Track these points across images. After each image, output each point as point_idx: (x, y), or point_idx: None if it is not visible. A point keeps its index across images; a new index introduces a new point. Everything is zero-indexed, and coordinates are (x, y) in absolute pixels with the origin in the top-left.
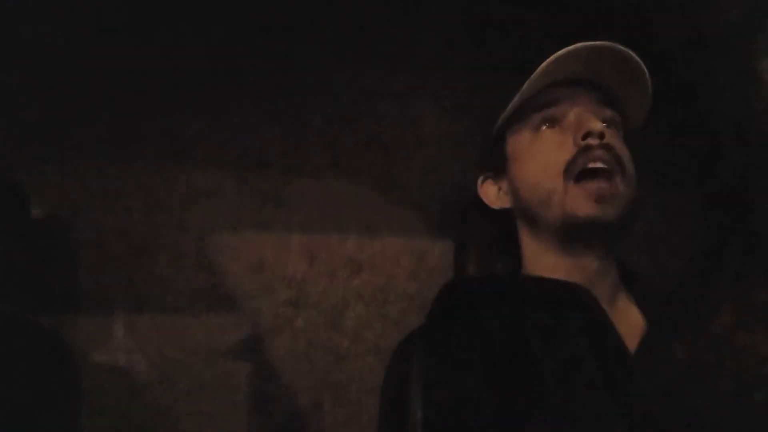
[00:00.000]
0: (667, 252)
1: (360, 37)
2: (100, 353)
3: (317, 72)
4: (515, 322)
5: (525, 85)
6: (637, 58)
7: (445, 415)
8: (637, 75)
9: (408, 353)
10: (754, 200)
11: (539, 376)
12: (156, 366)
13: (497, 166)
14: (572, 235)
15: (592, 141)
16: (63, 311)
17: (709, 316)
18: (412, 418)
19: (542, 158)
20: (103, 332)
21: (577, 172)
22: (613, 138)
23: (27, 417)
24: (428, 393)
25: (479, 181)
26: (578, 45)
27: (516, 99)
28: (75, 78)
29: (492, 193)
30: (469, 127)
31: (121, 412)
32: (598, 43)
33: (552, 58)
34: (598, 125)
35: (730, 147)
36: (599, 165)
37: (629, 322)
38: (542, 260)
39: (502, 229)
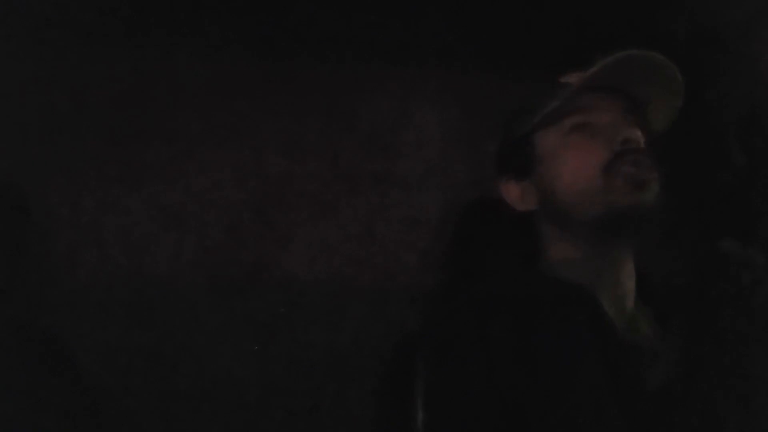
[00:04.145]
0: (667, 252)
1: (360, 36)
2: (100, 353)
3: (317, 72)
4: (518, 323)
5: (567, 92)
6: (677, 70)
7: (446, 416)
8: (671, 85)
9: (410, 353)
10: (755, 199)
11: (542, 377)
12: (156, 366)
13: (521, 167)
14: (612, 227)
15: (631, 146)
16: (63, 311)
17: (713, 316)
18: (414, 418)
19: (577, 160)
20: (103, 332)
21: (614, 171)
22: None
23: (26, 417)
24: (429, 393)
25: (501, 183)
26: (628, 53)
27: (554, 104)
28: (75, 79)
29: (515, 195)
30: (469, 128)
31: (120, 411)
32: (646, 53)
33: (601, 65)
34: (636, 133)
35: (733, 146)
36: (637, 168)
37: (635, 322)
38: (570, 259)
39: (516, 230)
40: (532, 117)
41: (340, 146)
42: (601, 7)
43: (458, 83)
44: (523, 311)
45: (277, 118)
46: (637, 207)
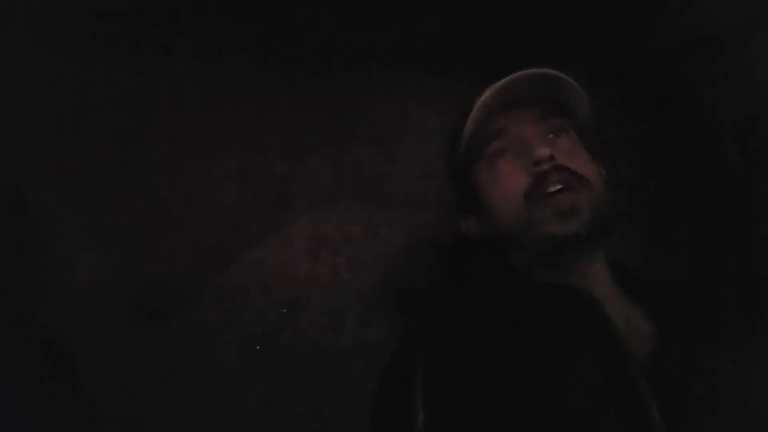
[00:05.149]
0: (667, 253)
1: (360, 37)
2: (100, 354)
3: (318, 74)
4: (516, 325)
5: (465, 128)
6: (562, 75)
7: (445, 418)
8: (570, 89)
9: (410, 355)
10: (753, 202)
11: (540, 379)
12: (155, 366)
13: (467, 201)
14: (554, 251)
15: (544, 166)
16: (63, 311)
17: (713, 318)
18: (412, 420)
19: (501, 191)
20: (103, 332)
21: (537, 198)
22: (564, 152)
23: (25, 417)
24: (429, 395)
25: (457, 218)
26: (502, 82)
27: (463, 140)
28: (74, 79)
29: (472, 229)
30: None
31: (120, 412)
32: (519, 74)
33: (481, 101)
34: (545, 151)
35: (730, 149)
36: (557, 187)
37: (632, 324)
38: (538, 276)
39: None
40: (458, 152)
41: (341, 148)
42: (599, 11)
43: (458, 86)
44: (521, 314)
45: (278, 119)
46: (569, 234)
